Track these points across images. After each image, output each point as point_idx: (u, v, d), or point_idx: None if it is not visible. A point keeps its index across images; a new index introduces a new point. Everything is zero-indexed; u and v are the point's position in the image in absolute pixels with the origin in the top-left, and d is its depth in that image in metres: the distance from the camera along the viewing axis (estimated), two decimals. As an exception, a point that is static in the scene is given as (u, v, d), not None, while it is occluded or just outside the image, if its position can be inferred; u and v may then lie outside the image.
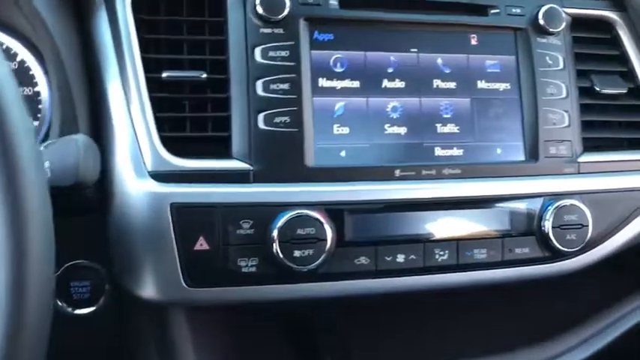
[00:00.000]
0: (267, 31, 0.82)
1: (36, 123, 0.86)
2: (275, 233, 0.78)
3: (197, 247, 0.76)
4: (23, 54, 0.86)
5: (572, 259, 0.91)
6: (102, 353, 0.96)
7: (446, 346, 1.02)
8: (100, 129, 0.80)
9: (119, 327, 0.94)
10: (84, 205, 0.79)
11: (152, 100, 0.79)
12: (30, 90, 0.87)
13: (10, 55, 0.85)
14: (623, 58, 1.00)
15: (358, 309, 0.99)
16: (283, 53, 0.82)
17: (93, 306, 0.84)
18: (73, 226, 0.82)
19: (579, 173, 0.93)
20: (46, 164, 0.63)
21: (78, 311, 0.84)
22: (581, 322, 1.02)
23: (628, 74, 1.00)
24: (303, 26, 0.84)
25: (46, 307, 0.50)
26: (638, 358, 1.14)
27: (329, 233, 0.80)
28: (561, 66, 0.94)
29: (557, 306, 1.06)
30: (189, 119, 0.81)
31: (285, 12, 0.82)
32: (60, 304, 0.83)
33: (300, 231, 0.78)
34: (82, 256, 0.86)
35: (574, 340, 1.00)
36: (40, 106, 0.87)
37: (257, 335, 1.02)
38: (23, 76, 0.86)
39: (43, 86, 0.86)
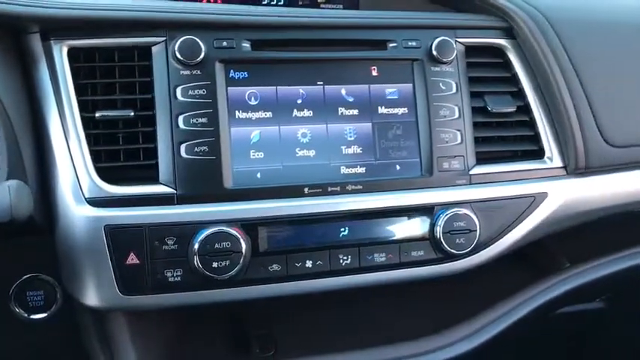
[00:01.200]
0: (187, 72, 0.94)
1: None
2: (195, 247, 0.91)
3: (129, 261, 0.90)
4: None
5: (463, 260, 1.04)
6: (57, 354, 1.11)
7: (348, 337, 1.15)
8: (44, 164, 0.92)
9: (72, 330, 1.08)
10: (35, 229, 0.92)
11: (88, 136, 0.91)
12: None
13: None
14: (514, 80, 1.12)
15: (284, 304, 1.12)
16: (201, 91, 0.94)
17: (46, 312, 0.98)
18: (29, 245, 0.97)
19: (470, 184, 1.05)
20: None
21: (33, 316, 0.98)
22: (475, 313, 1.14)
23: (518, 94, 1.11)
24: (218, 67, 0.95)
25: None
26: (526, 345, 1.28)
27: (244, 246, 0.92)
28: (454, 90, 1.06)
29: (458, 299, 1.19)
30: (122, 150, 0.93)
31: (201, 56, 0.94)
32: (17, 310, 0.97)
33: (217, 245, 0.91)
34: (37, 270, 1.00)
35: (460, 333, 1.12)
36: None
37: (193, 330, 1.15)
38: None
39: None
